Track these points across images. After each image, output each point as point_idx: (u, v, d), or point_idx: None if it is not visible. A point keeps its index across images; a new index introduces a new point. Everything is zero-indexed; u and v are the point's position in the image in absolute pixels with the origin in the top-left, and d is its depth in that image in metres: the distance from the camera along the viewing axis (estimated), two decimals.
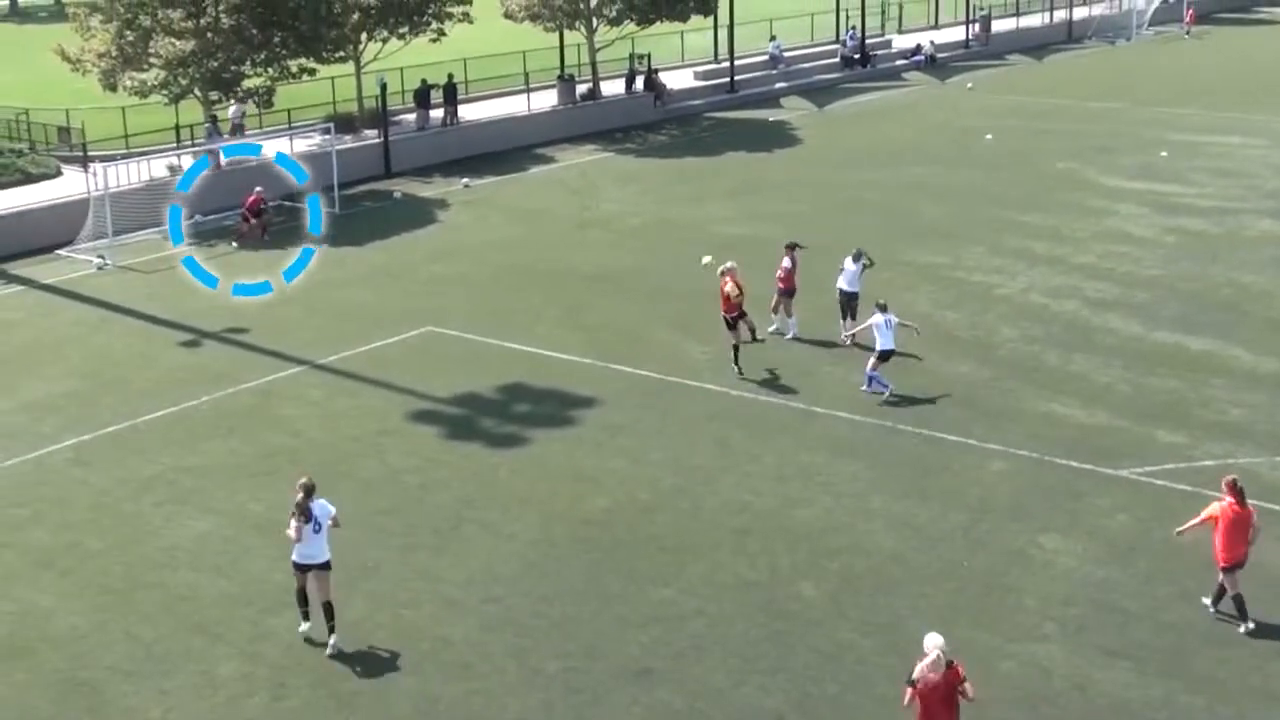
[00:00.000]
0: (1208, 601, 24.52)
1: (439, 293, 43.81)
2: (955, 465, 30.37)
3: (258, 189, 52.60)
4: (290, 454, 31.70)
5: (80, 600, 25.68)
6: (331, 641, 23.88)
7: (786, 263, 38.63)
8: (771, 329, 38.80)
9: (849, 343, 37.29)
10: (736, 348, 36.37)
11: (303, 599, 24.24)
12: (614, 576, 25.84)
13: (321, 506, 23.88)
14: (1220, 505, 23.82)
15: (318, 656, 23.65)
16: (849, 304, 37.95)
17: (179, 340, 40.06)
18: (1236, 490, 23.68)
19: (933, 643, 19.14)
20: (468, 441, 32.41)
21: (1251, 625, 23.77)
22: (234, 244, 50.89)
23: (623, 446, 31.82)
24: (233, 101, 59.31)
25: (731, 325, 36.27)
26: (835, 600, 25.00)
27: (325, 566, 23.89)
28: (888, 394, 34.27)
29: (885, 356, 34.53)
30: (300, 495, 23.73)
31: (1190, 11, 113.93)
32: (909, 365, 36.08)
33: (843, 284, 38.05)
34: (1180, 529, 24.96)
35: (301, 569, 23.98)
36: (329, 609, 23.95)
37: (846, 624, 24.25)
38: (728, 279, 36.04)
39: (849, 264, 38.12)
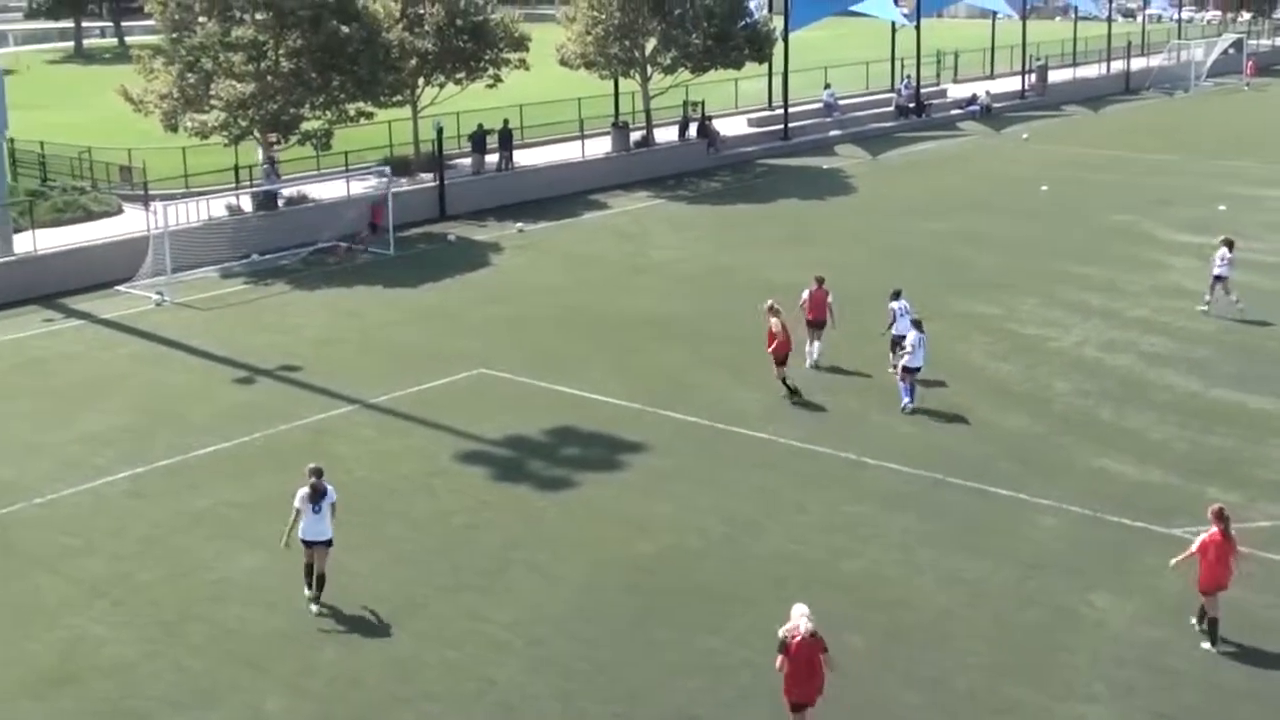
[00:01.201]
0: (1194, 621, 25.40)
1: (491, 335, 43.96)
2: (1006, 520, 30.22)
3: (376, 204, 55.58)
4: (341, 491, 31.56)
5: (130, 630, 25.82)
6: (313, 608, 26.45)
7: (805, 294, 39.55)
8: (811, 363, 39.85)
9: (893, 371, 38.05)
10: (784, 380, 37.29)
11: (309, 572, 26.62)
12: (660, 623, 25.81)
13: (330, 491, 26.57)
14: (1206, 535, 24.72)
15: (364, 693, 23.68)
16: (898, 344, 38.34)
17: (234, 377, 40.32)
18: (1222, 519, 24.65)
19: (800, 611, 21.13)
20: (516, 484, 32.47)
21: (1214, 649, 24.77)
22: (358, 248, 53.95)
23: (671, 492, 31.81)
24: (260, 148, 59.62)
25: (779, 362, 37.19)
26: (882, 654, 24.88)
27: (328, 544, 26.53)
28: (906, 405, 35.90)
29: (910, 371, 35.90)
30: (312, 479, 26.35)
31: (1251, 63, 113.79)
32: (960, 418, 36.04)
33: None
34: (1174, 561, 25.51)
35: (308, 545, 26.42)
36: (321, 579, 26.52)
37: (893, 677, 24.13)
38: (772, 317, 36.88)
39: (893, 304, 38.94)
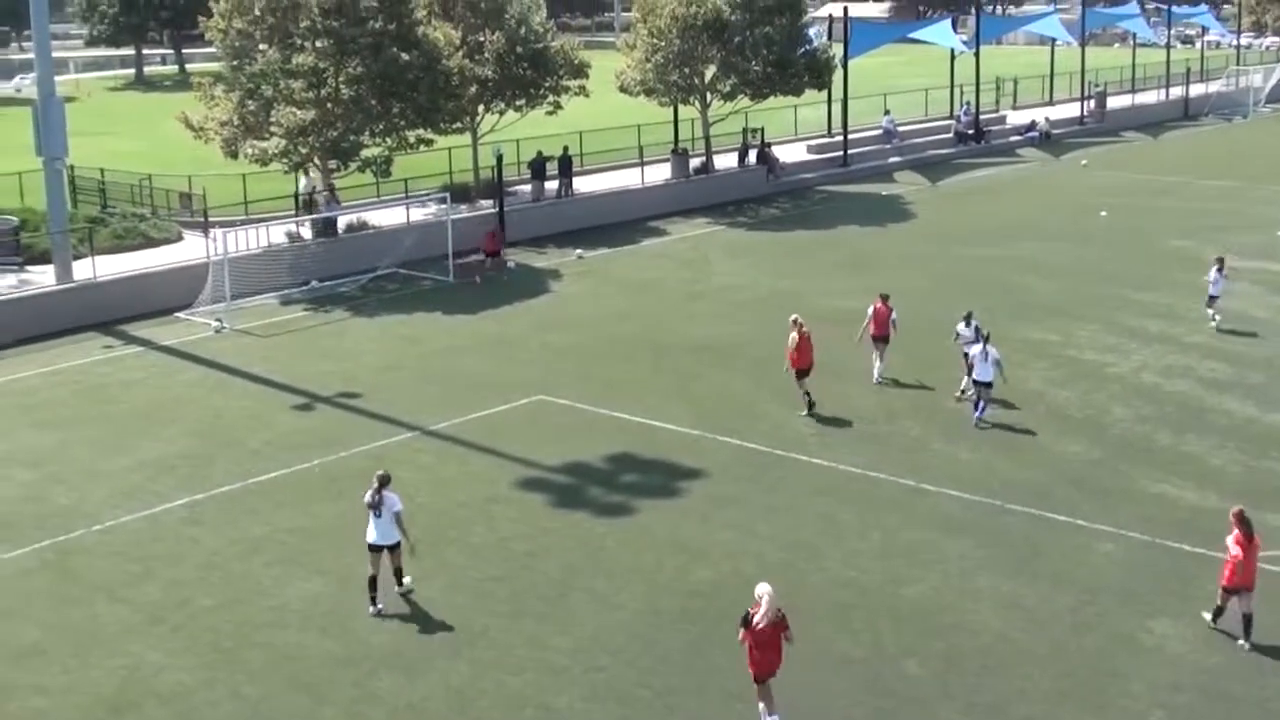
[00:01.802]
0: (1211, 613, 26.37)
1: (550, 362, 44.05)
2: (1065, 546, 30.08)
3: (491, 230, 56.98)
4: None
5: (189, 657, 25.93)
6: (405, 582, 28.16)
7: (870, 310, 40.65)
8: (877, 380, 41.07)
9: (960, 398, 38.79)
10: (807, 394, 38.34)
11: (373, 585, 27.47)
12: (719, 650, 25.74)
13: (391, 499, 27.33)
14: (1232, 537, 25.79)
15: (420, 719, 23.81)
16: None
17: (292, 403, 40.51)
18: (1244, 522, 25.69)
19: (763, 590, 22.59)
20: (575, 510, 32.49)
21: (1211, 621, 26.26)
22: (476, 279, 54.66)
23: (729, 519, 31.78)
24: (302, 175, 59.93)
25: (801, 375, 38.33)
26: (940, 680, 24.80)
27: (392, 548, 27.58)
28: (975, 419, 37.00)
29: (979, 385, 36.96)
30: (375, 485, 27.32)
31: None
32: (1020, 443, 35.93)
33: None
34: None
35: (373, 549, 27.47)
36: (398, 572, 27.94)
37: (951, 704, 24.04)
38: (794, 331, 38.18)
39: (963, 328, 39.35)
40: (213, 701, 24.37)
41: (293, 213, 58.96)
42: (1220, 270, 46.40)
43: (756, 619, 22.56)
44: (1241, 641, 25.69)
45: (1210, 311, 46.72)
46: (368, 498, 27.49)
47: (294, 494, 33.63)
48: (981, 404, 37.25)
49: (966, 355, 38.22)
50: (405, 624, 26.94)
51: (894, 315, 40.41)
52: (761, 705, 23.18)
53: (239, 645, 26.32)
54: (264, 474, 34.88)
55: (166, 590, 28.62)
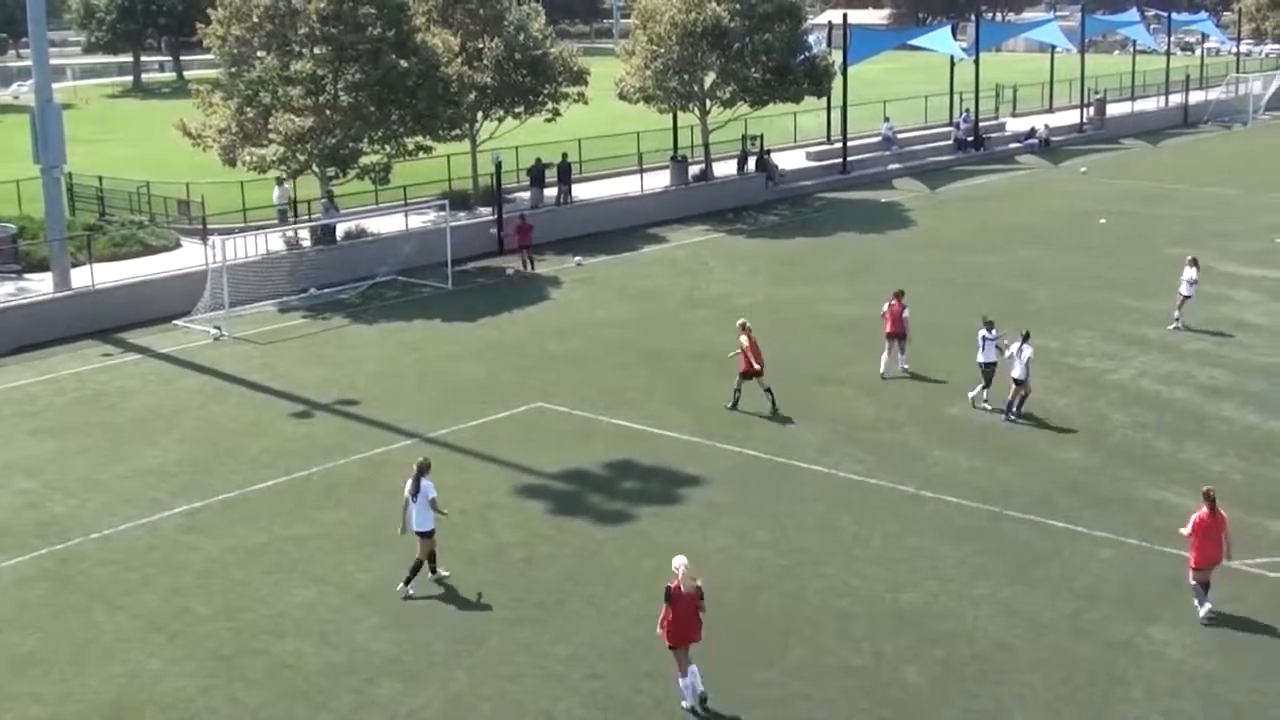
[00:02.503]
0: (1198, 605, 27.05)
1: (549, 369, 44.03)
2: (1064, 552, 30.07)
3: (521, 226, 57.79)
4: (398, 526, 31.87)
5: (188, 664, 25.91)
6: (439, 571, 28.97)
7: (884, 308, 42.06)
8: (901, 369, 42.41)
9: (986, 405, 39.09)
10: (769, 391, 39.39)
11: (414, 569, 28.61)
12: (717, 657, 25.69)
13: (426, 486, 28.31)
14: (1197, 515, 26.83)
15: None
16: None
17: (291, 411, 40.49)
18: (1209, 499, 26.76)
19: (679, 561, 23.84)
20: (573, 517, 32.46)
21: (1207, 610, 26.81)
22: (510, 271, 56.03)
23: (728, 526, 31.76)
24: (276, 186, 59.89)
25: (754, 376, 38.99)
26: (940, 687, 24.77)
27: (423, 534, 28.48)
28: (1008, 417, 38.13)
29: (1016, 383, 37.77)
30: (414, 472, 28.51)
31: None
32: (1018, 450, 35.93)
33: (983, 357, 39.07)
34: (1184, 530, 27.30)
35: (417, 534, 28.57)
36: (418, 566, 28.59)
37: (950, 711, 24.01)
38: (743, 335, 39.00)
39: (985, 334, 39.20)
40: (211, 709, 24.34)
41: (290, 220, 58.91)
42: (1195, 270, 46.79)
43: (675, 589, 23.69)
44: (1202, 610, 26.88)
45: (1177, 314, 47.14)
46: (408, 485, 28.43)
47: (292, 502, 33.60)
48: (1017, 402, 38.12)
49: (982, 365, 38.57)
50: (404, 631, 26.92)
51: (907, 312, 41.65)
52: (677, 673, 24.20)
53: (238, 653, 26.30)
54: (262, 482, 34.86)
55: (165, 598, 28.60)
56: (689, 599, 23.74)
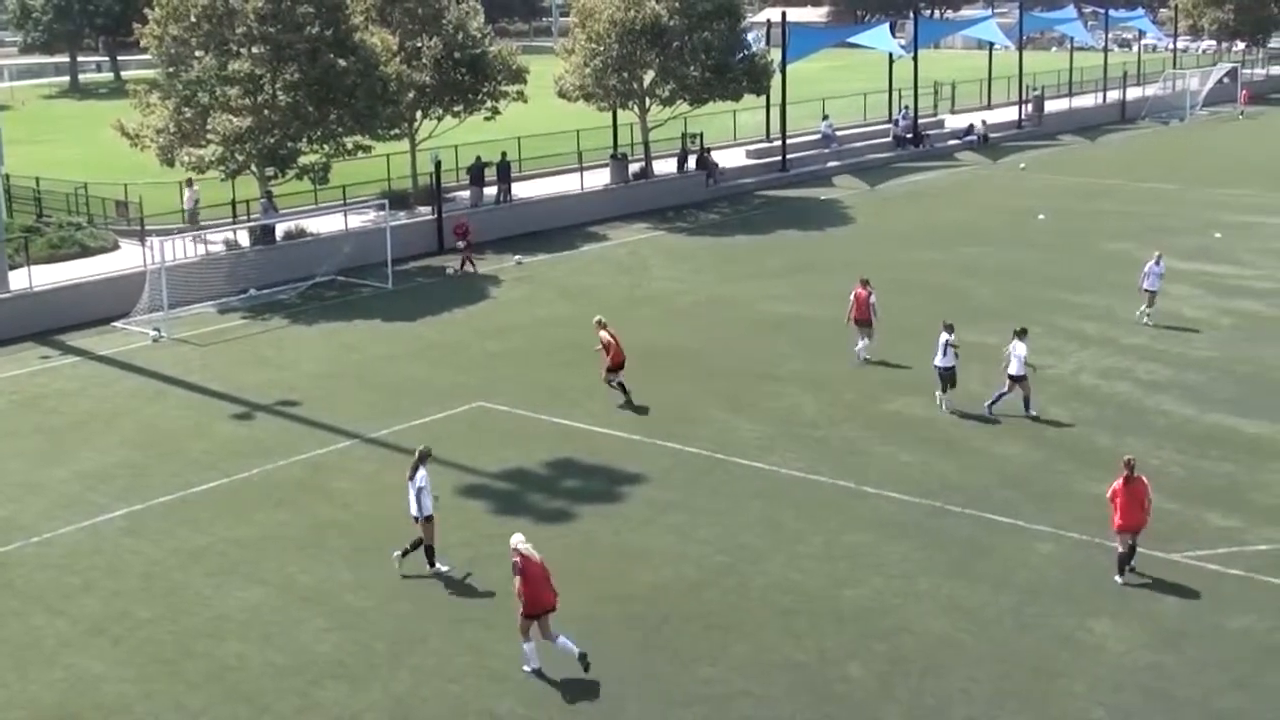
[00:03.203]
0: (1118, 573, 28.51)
1: (490, 368, 43.97)
2: (1005, 547, 30.21)
3: (459, 224, 57.42)
4: (340, 527, 31.80)
5: (130, 668, 25.77)
6: (436, 565, 29.38)
7: (851, 297, 43.12)
8: (860, 351, 43.54)
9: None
10: (618, 384, 40.36)
11: (427, 552, 29.22)
12: (660, 654, 25.76)
13: (418, 475, 28.79)
14: (1117, 481, 28.33)
15: None
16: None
17: (232, 412, 40.31)
18: (1128, 467, 28.22)
19: (516, 539, 25.29)
20: (515, 516, 32.35)
21: (1124, 580, 28.31)
22: (449, 270, 55.97)
23: (671, 524, 31.78)
24: (185, 189, 59.46)
25: (614, 369, 40.18)
26: (883, 682, 24.85)
27: (415, 519, 28.95)
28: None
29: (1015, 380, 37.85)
30: (415, 459, 28.98)
31: (1245, 92, 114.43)
32: (958, 446, 36.07)
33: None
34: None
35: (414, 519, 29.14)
36: (415, 545, 29.21)
37: (895, 706, 24.08)
38: (600, 330, 40.11)
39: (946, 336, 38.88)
40: (154, 713, 24.22)
41: (229, 220, 58.61)
42: (1158, 263, 47.14)
43: (522, 562, 24.94)
44: (1120, 578, 28.39)
45: (1148, 309, 47.34)
46: (409, 471, 28.95)
47: (234, 504, 33.45)
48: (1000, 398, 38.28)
49: (940, 369, 38.55)
50: (347, 633, 26.83)
51: (874, 299, 42.70)
52: (522, 639, 25.43)
53: (180, 656, 26.16)
54: (203, 484, 34.70)
55: (106, 602, 28.44)
56: (538, 567, 24.96)
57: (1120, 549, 28.30)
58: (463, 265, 57.52)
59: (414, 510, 28.84)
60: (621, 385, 39.99)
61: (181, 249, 53.08)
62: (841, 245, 62.48)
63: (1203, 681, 24.67)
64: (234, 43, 56.51)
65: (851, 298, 42.97)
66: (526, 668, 25.14)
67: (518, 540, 25.17)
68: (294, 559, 30.17)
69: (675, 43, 71.27)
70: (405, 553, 29.10)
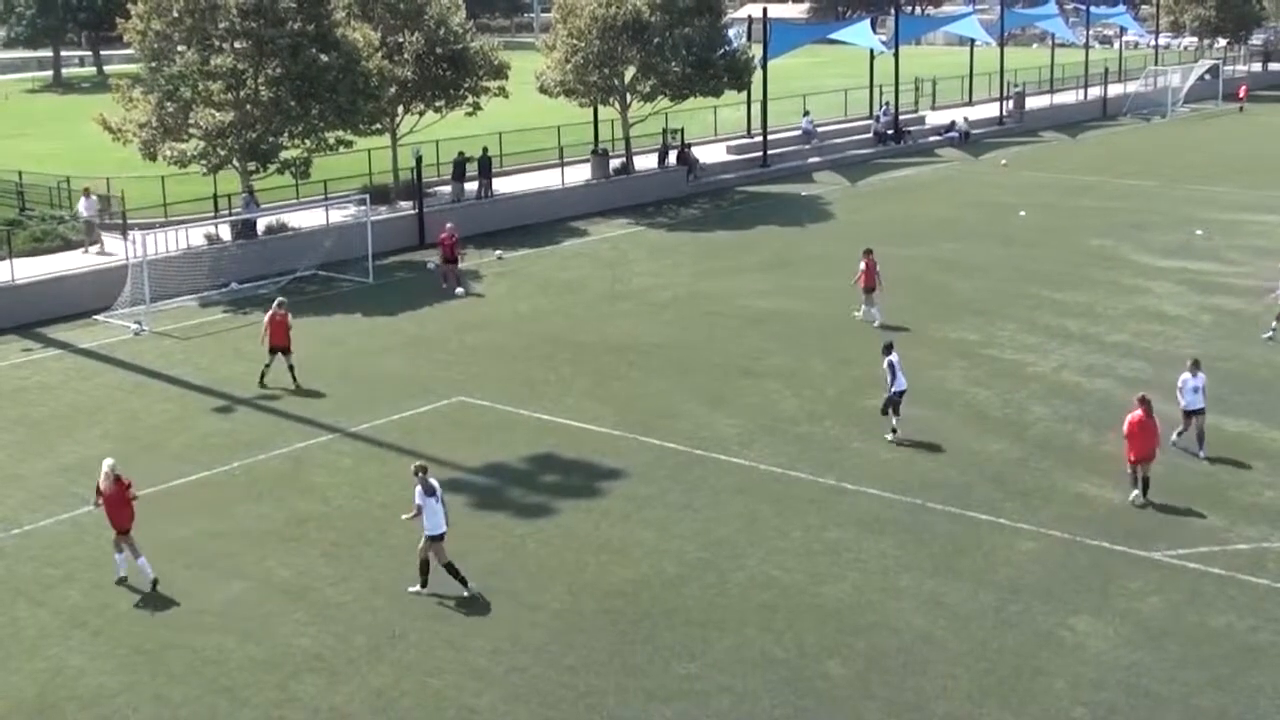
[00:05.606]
0: (1137, 494, 31.99)
1: (470, 363, 43.95)
2: (986, 545, 30.25)
3: (449, 226, 55.19)
4: (320, 520, 31.78)
5: (110, 660, 25.76)
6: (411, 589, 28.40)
7: (862, 265, 46.91)
8: (859, 315, 47.23)
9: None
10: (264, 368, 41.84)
11: (424, 569, 28.24)
12: (639, 649, 25.80)
13: (418, 489, 28.09)
14: (1134, 417, 31.69)
15: None
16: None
17: (213, 406, 40.26)
18: (1145, 403, 31.71)
19: (106, 465, 28.59)
20: (495, 511, 32.42)
21: (1135, 495, 32.01)
22: (444, 285, 53.97)
23: (650, 519, 31.80)
24: (83, 197, 58.70)
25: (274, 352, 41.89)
26: (862, 679, 24.88)
27: (438, 537, 28.10)
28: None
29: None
30: (420, 477, 28.05)
31: (1244, 86, 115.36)
32: (940, 442, 36.11)
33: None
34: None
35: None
36: (431, 567, 28.27)
37: (873, 704, 24.12)
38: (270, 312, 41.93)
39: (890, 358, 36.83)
40: (134, 705, 24.21)
41: (212, 214, 58.49)
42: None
43: (102, 486, 28.48)
44: (1135, 495, 32.03)
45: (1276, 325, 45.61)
46: (424, 489, 28.29)
47: (214, 497, 33.43)
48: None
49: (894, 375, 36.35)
50: (326, 627, 26.82)
51: (877, 266, 46.94)
52: (121, 553, 28.85)
53: (160, 648, 26.15)
54: (184, 477, 34.67)
55: (87, 594, 28.42)
56: (115, 493, 28.49)
57: (1143, 475, 31.95)
58: (445, 279, 55.70)
59: (444, 526, 28.03)
60: (265, 366, 41.83)
61: (163, 243, 52.91)
62: (822, 241, 62.48)
63: (1183, 680, 24.72)
64: (216, 38, 56.37)
65: (862, 265, 46.72)
66: (116, 575, 28.86)
67: (108, 465, 28.84)
68: (274, 552, 30.15)
69: (656, 39, 71.16)
70: (423, 584, 28.37)
